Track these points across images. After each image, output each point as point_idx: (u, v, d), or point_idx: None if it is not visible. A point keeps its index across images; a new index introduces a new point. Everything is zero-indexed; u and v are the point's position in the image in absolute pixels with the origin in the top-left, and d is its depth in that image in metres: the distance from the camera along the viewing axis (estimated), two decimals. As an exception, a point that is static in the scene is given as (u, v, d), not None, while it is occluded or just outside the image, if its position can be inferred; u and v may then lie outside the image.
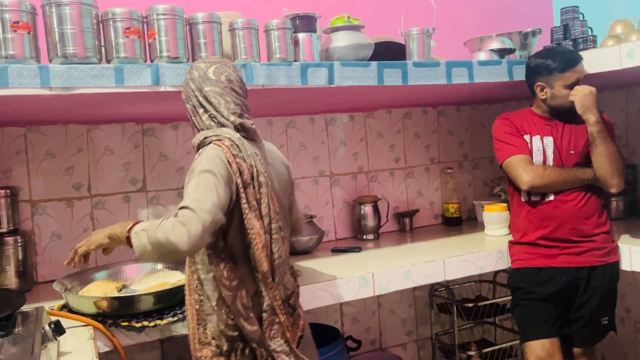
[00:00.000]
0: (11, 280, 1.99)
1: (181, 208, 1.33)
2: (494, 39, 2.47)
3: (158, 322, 1.66)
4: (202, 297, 1.48)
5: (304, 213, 2.55)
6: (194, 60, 1.79)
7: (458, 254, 2.23)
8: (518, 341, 2.34)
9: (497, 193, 3.02)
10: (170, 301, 1.73)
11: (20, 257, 2.02)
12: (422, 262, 2.15)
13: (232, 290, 1.44)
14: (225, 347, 1.47)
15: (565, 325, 2.21)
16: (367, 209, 2.66)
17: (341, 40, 2.01)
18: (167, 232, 1.28)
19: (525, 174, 2.12)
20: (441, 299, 2.74)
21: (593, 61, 2.16)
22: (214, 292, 1.46)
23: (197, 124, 1.56)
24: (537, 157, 2.18)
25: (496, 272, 2.67)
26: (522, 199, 2.22)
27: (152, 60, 1.74)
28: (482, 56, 2.34)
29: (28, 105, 1.73)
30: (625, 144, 2.84)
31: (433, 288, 2.76)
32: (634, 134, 2.86)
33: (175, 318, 1.68)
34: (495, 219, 2.57)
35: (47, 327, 1.35)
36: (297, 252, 2.39)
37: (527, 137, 2.20)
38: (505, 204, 2.58)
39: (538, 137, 2.19)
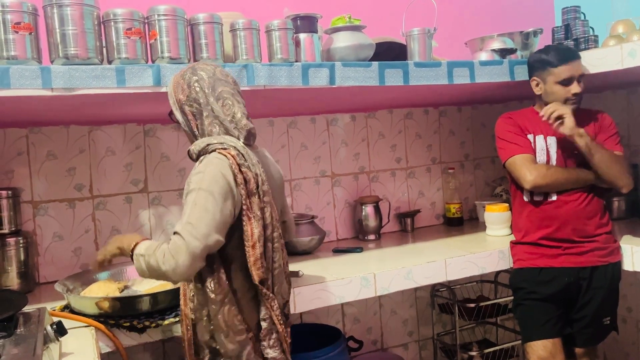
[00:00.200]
0: (13, 281, 2.00)
1: (175, 233, 1.38)
2: (495, 39, 2.46)
3: (160, 322, 1.66)
4: (193, 306, 1.49)
5: (305, 213, 2.56)
6: (195, 60, 1.79)
7: (459, 254, 2.23)
8: (520, 341, 2.34)
9: (498, 193, 3.02)
10: (171, 302, 1.73)
11: (22, 258, 2.02)
12: (424, 263, 2.15)
13: (216, 304, 1.45)
14: (207, 358, 1.48)
15: (567, 325, 2.20)
16: (369, 210, 2.66)
17: (342, 41, 2.01)
18: (159, 261, 1.37)
19: (528, 173, 2.11)
20: (443, 299, 2.73)
21: (594, 61, 2.16)
22: (203, 303, 1.47)
23: (195, 130, 1.53)
24: (541, 157, 2.17)
25: (498, 272, 2.67)
26: (525, 199, 2.22)
27: (153, 61, 1.74)
28: (484, 56, 2.34)
29: (30, 106, 1.74)
30: (627, 144, 2.84)
31: (434, 288, 2.76)
32: (635, 133, 2.86)
33: (177, 319, 1.68)
34: (497, 219, 2.57)
35: (49, 328, 1.35)
36: (299, 252, 2.39)
37: (530, 137, 2.19)
38: (507, 204, 2.58)
39: (541, 136, 2.19)
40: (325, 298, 1.96)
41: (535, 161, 2.15)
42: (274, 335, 1.49)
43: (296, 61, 1.91)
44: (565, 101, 2.12)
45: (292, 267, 2.02)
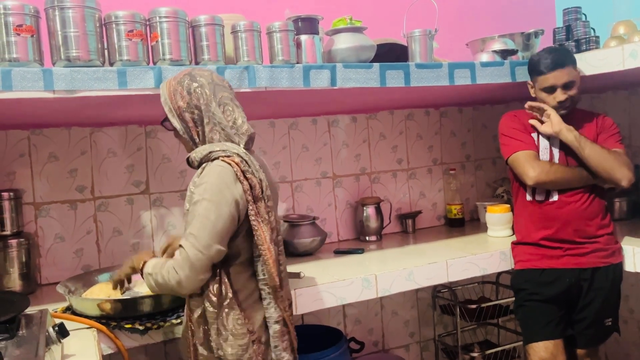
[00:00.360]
0: (15, 283, 2.00)
1: (180, 246, 1.42)
2: (497, 40, 2.47)
3: (161, 324, 1.66)
4: (195, 310, 1.49)
5: (307, 215, 2.56)
6: (197, 62, 1.79)
7: (461, 255, 2.23)
8: (521, 342, 2.33)
9: (499, 194, 3.01)
10: (173, 303, 1.73)
11: (24, 259, 2.02)
12: (425, 264, 2.15)
13: (218, 308, 1.45)
14: None
15: (568, 326, 2.20)
16: (370, 211, 2.66)
17: (343, 42, 2.01)
18: (165, 278, 1.42)
19: (531, 169, 2.11)
20: (444, 300, 2.73)
21: (596, 62, 2.15)
22: (205, 307, 1.47)
23: (195, 137, 1.51)
24: (544, 155, 2.17)
25: (499, 274, 2.67)
26: (526, 199, 2.21)
27: (154, 63, 1.74)
28: (485, 57, 2.34)
29: (31, 108, 1.74)
30: (629, 145, 2.83)
31: (436, 289, 2.76)
32: (636, 134, 2.86)
33: (179, 320, 1.69)
34: (498, 220, 2.57)
35: (51, 330, 1.35)
36: (300, 253, 2.39)
37: (534, 135, 2.19)
38: (508, 205, 2.58)
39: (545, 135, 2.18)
40: (326, 299, 1.96)
41: (538, 158, 2.15)
42: (285, 337, 1.50)
43: (297, 63, 1.91)
44: (555, 107, 2.12)
45: (294, 268, 2.03)
